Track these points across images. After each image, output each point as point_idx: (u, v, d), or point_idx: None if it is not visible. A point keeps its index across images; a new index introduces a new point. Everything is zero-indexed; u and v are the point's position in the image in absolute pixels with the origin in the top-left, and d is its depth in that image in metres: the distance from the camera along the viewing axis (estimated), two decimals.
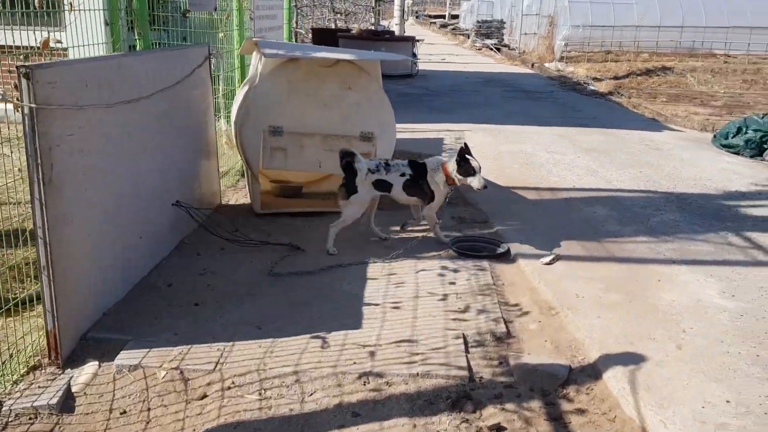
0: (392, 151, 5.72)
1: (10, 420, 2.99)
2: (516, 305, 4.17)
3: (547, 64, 19.94)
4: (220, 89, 6.24)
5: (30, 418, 3.02)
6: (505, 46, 26.01)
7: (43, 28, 3.75)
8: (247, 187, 6.07)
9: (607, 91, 14.86)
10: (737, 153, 8.88)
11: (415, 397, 3.14)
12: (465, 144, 4.89)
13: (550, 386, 3.27)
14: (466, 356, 3.46)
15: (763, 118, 9.68)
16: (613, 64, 19.33)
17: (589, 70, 18.22)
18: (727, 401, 3.05)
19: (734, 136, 9.17)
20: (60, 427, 2.99)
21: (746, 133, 9.10)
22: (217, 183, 5.83)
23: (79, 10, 4.19)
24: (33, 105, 3.04)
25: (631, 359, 3.41)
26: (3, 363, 3.25)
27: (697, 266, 4.73)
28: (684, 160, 8.25)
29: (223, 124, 6.41)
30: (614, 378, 3.27)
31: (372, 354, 3.45)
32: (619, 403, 3.11)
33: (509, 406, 3.12)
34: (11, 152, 3.72)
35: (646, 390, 3.13)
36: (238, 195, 6.31)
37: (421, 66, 18.04)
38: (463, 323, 3.84)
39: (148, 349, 3.44)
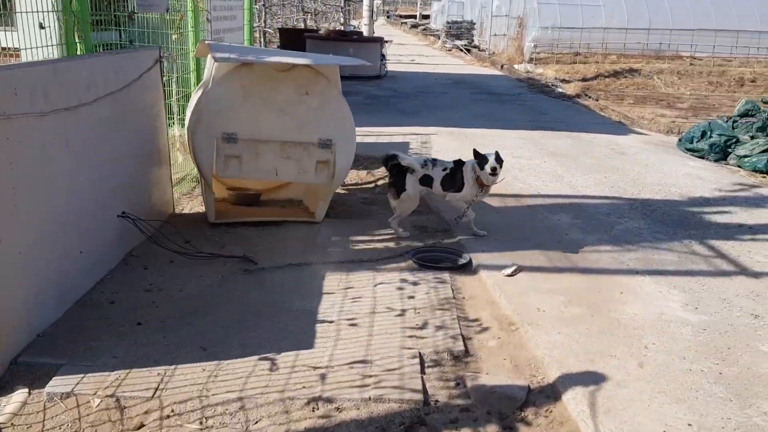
0: (352, 158, 5.55)
1: None
2: (476, 320, 4.03)
3: (516, 66, 19.95)
4: (174, 93, 6.00)
5: None
6: (475, 47, 26.01)
7: None
8: (202, 194, 5.85)
9: (575, 94, 14.88)
10: (702, 157, 8.89)
11: (366, 424, 2.98)
12: (474, 149, 5.23)
13: (508, 409, 3.14)
14: (422, 378, 3.31)
15: (727, 121, 9.74)
16: (581, 65, 19.42)
17: (558, 71, 18.27)
18: (689, 424, 2.94)
19: (699, 140, 9.18)
20: None
21: (711, 137, 9.13)
22: (169, 191, 5.60)
23: (18, 12, 3.98)
24: None
25: (592, 379, 3.29)
26: None
27: (660, 277, 4.64)
28: (649, 164, 8.22)
29: (177, 130, 6.18)
30: (574, 400, 3.14)
31: (323, 377, 3.28)
32: (578, 428, 2.99)
33: (465, 431, 2.97)
34: None
35: (606, 413, 3.01)
36: (193, 203, 6.08)
37: (390, 67, 17.90)
38: (420, 341, 3.69)
39: (82, 375, 3.22)
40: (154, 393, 3.11)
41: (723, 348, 3.66)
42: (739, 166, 8.42)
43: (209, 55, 5.47)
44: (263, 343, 3.60)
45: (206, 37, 6.53)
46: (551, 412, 3.13)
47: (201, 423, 2.95)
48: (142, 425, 2.96)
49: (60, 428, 2.95)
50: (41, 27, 3.96)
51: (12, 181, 3.28)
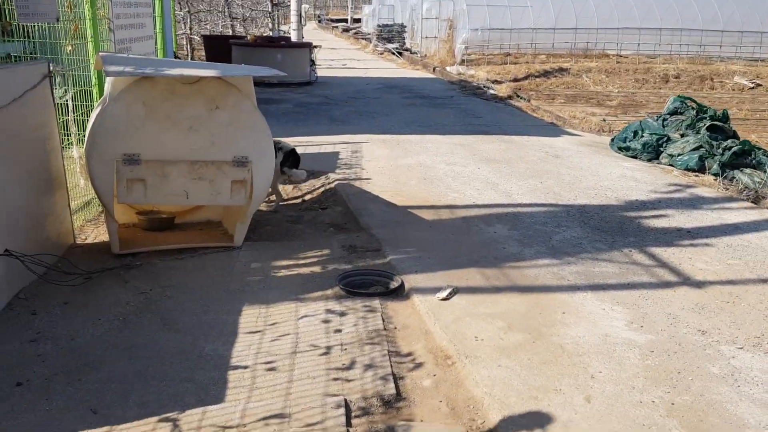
0: (272, 175, 5.11)
1: None
2: (408, 354, 3.66)
3: (448, 68, 19.83)
4: (70, 110, 5.42)
5: None
6: (407, 50, 25.83)
7: None
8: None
9: (507, 95, 14.80)
10: (635, 157, 8.83)
11: None
12: None
13: None
14: None
15: (657, 120, 9.72)
16: (512, 66, 19.47)
17: (490, 72, 18.25)
18: None
19: (631, 140, 9.13)
20: None
21: (642, 136, 9.08)
22: (68, 220, 5.03)
23: None
24: None
25: (536, 421, 2.96)
26: None
27: (602, 292, 4.39)
28: (583, 167, 8.06)
29: (76, 151, 5.59)
30: None
31: None
32: None
33: None
34: None
35: None
36: (99, 230, 5.51)
37: (321, 72, 17.45)
38: (346, 384, 3.30)
39: None
40: None
41: (673, 372, 3.40)
42: (671, 165, 8.37)
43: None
44: (166, 399, 3.14)
45: (106, 48, 5.95)
46: None
47: None
48: None
49: None
50: None
51: None
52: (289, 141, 6.99)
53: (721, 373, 3.40)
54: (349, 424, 2.98)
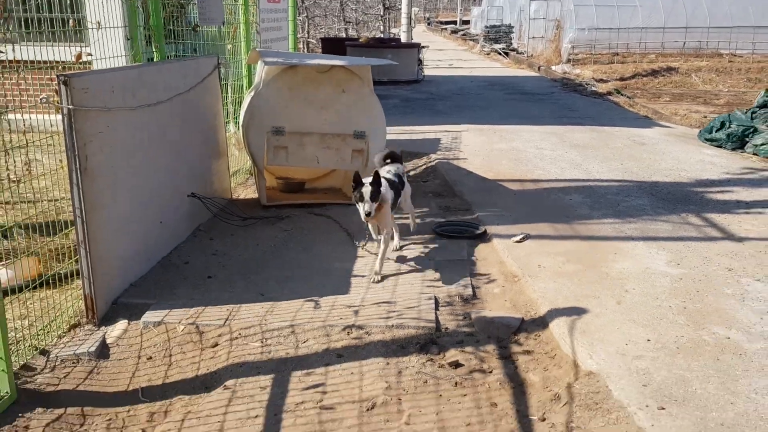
0: (383, 146, 6.36)
1: (57, 364, 3.67)
2: (485, 274, 4.78)
3: (553, 67, 20.46)
4: (229, 96, 6.93)
5: (73, 363, 3.69)
6: (514, 50, 26.58)
7: (73, 44, 4.49)
8: (255, 183, 6.75)
9: (607, 92, 15.37)
10: (719, 146, 9.39)
11: (389, 343, 3.77)
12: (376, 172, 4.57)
13: (504, 334, 3.89)
14: (435, 313, 4.09)
15: (746, 113, 10.19)
16: (619, 65, 19.76)
17: (596, 71, 18.68)
18: (648, 340, 3.64)
19: (718, 131, 9.68)
20: (98, 370, 3.66)
21: (729, 127, 9.62)
22: (227, 180, 6.51)
23: (106, 27, 4.91)
24: (71, 106, 3.73)
25: (575, 312, 4.01)
26: (50, 322, 3.94)
27: (652, 242, 5.31)
28: (665, 153, 8.80)
29: (232, 128, 7.10)
30: (557, 326, 3.87)
31: (356, 312, 4.09)
32: (559, 345, 3.72)
33: (468, 348, 3.74)
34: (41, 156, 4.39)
35: (581, 333, 3.73)
36: (247, 191, 6.99)
37: (427, 72, 18.69)
38: (436, 289, 4.47)
39: (168, 310, 4.11)
40: (225, 322, 3.97)
41: (693, 291, 4.32)
42: (754, 154, 8.90)
43: (260, 61, 6.38)
44: (308, 291, 4.43)
45: (256, 47, 7.44)
46: (539, 336, 3.87)
47: (262, 342, 3.79)
48: (216, 344, 3.82)
49: (154, 347, 3.84)
50: (128, 39, 4.89)
51: (110, 160, 4.19)
52: (396, 130, 8.18)
53: (733, 293, 4.29)
54: (437, 309, 4.15)
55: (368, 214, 4.44)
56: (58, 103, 3.76)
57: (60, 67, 4.19)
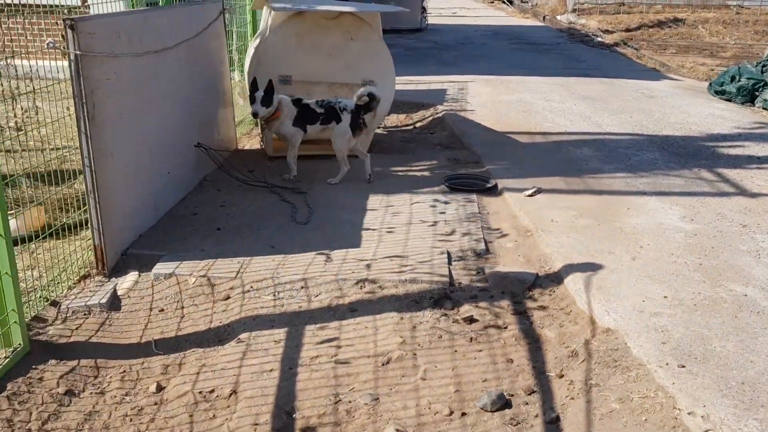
0: (392, 96, 6.24)
1: (68, 315, 3.64)
2: (497, 229, 4.73)
3: (558, 17, 20.05)
4: (234, 43, 6.74)
5: (85, 314, 3.66)
6: None
7: None
8: (260, 134, 6.63)
9: (614, 43, 15.09)
10: (729, 100, 9.25)
11: (403, 298, 3.74)
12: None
13: (519, 289, 3.86)
14: (449, 267, 4.05)
15: (756, 66, 10.01)
16: (625, 16, 19.38)
17: (601, 22, 18.33)
18: (665, 297, 3.61)
19: (728, 84, 9.52)
20: (109, 321, 3.64)
21: (739, 80, 9.45)
22: (233, 129, 6.39)
23: None
24: (78, 52, 3.60)
25: (590, 268, 3.98)
26: (60, 273, 3.89)
27: (665, 197, 5.25)
28: (675, 106, 8.66)
29: (237, 76, 6.93)
30: (572, 282, 3.84)
31: (368, 266, 4.05)
32: (574, 300, 3.69)
33: (482, 304, 3.71)
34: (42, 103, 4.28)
35: (597, 289, 3.71)
36: (252, 141, 6.87)
37: (431, 20, 18.30)
38: (448, 243, 4.42)
39: (179, 262, 4.06)
40: (236, 274, 3.93)
41: (708, 247, 4.28)
42: (764, 108, 8.77)
43: (265, 7, 6.18)
44: (319, 244, 4.38)
45: None
46: (554, 291, 3.85)
47: (274, 295, 3.76)
48: (228, 297, 3.79)
49: (166, 299, 3.81)
50: None
51: (118, 107, 4.08)
52: (401, 80, 8.00)
53: (748, 249, 4.26)
54: (450, 263, 4.12)
55: (255, 115, 5.36)
56: (65, 48, 3.63)
57: (66, 11, 4.04)
